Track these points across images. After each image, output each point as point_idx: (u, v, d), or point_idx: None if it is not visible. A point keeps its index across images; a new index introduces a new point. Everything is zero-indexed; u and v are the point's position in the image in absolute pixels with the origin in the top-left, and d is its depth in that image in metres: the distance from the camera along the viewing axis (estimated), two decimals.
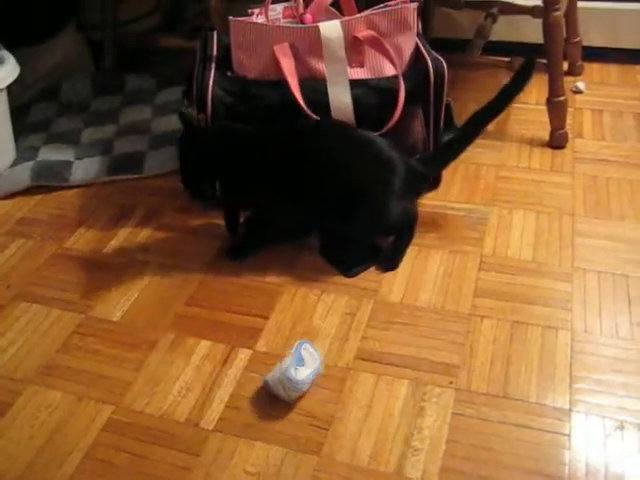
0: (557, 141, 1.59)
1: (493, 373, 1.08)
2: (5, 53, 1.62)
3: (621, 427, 0.99)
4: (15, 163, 1.68)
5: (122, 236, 1.46)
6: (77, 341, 1.22)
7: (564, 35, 1.63)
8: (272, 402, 1.07)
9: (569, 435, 0.99)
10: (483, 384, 1.07)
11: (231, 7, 1.74)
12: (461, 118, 1.50)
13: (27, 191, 1.63)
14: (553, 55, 1.53)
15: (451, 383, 1.07)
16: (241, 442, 1.02)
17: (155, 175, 1.63)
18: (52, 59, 1.96)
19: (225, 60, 1.41)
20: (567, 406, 1.03)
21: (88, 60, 2.06)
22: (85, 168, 1.65)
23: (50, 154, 1.70)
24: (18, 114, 1.73)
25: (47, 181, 1.62)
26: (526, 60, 1.28)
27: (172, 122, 1.73)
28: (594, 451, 0.97)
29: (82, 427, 1.07)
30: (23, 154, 1.70)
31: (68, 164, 1.66)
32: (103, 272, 1.37)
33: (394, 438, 1.00)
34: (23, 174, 1.63)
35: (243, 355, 1.16)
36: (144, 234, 1.46)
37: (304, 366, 1.07)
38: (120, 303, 1.29)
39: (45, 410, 1.10)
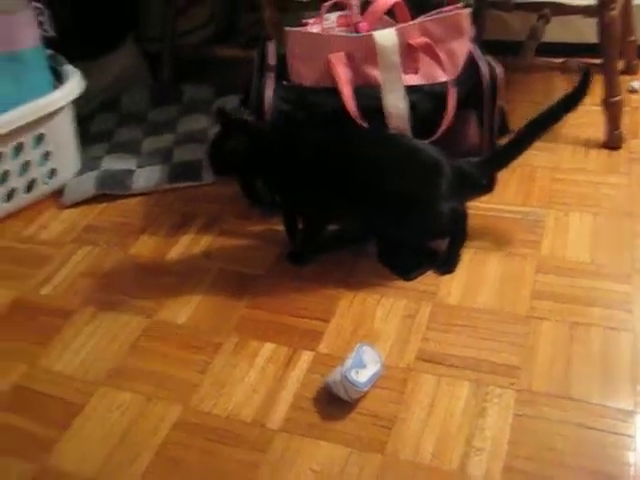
0: (613, 142, 1.59)
1: (554, 374, 1.09)
2: (71, 68, 1.69)
3: None
4: (80, 172, 1.75)
5: (184, 243, 1.50)
6: (144, 344, 1.27)
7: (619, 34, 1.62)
8: (334, 403, 1.10)
9: (634, 437, 0.99)
10: (544, 385, 1.08)
11: (285, 16, 1.78)
12: (514, 121, 1.52)
13: (92, 200, 1.69)
14: (609, 55, 1.53)
15: (512, 384, 1.09)
16: (306, 441, 1.05)
17: (214, 183, 1.67)
18: (112, 72, 2.03)
19: (282, 69, 1.45)
20: (631, 407, 1.03)
21: (146, 72, 2.12)
22: (146, 176, 1.70)
23: (113, 163, 1.76)
24: (81, 125, 1.80)
25: (111, 190, 1.68)
26: (584, 72, 1.29)
27: None
28: None
29: (152, 427, 1.11)
30: (87, 164, 1.77)
31: (130, 173, 1.72)
32: (167, 277, 1.42)
33: (456, 437, 1.02)
34: (88, 183, 1.69)
35: (306, 357, 1.19)
36: (205, 240, 1.50)
37: (365, 368, 1.10)
38: (184, 307, 1.33)
39: (116, 411, 1.15)
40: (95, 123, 1.98)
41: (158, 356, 1.24)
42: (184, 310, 1.33)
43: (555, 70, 1.87)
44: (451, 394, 1.09)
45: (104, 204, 1.68)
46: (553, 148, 1.62)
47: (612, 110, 1.57)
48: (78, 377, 1.22)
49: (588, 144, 1.62)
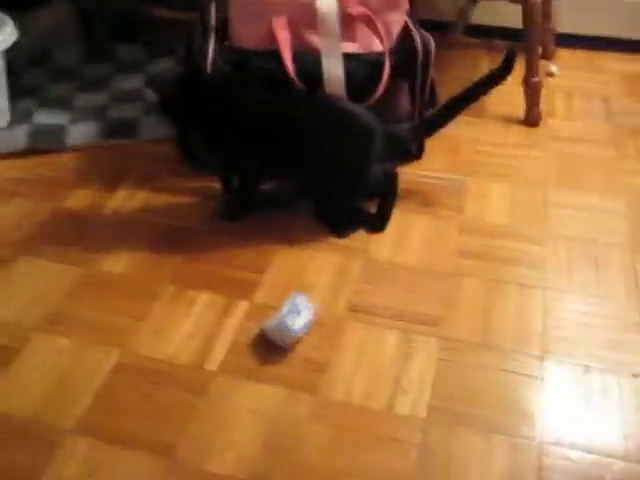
0: (532, 119, 1.70)
1: (474, 324, 1.19)
2: (5, 17, 1.66)
3: (587, 371, 1.10)
4: (11, 124, 1.72)
5: (119, 197, 1.52)
6: (81, 292, 1.29)
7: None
8: (270, 348, 1.16)
9: (541, 378, 1.10)
10: (465, 334, 1.17)
11: None
12: (442, 95, 1.61)
13: (21, 153, 1.67)
14: (530, 39, 1.63)
15: (435, 333, 1.17)
16: (243, 383, 1.11)
17: (148, 141, 1.69)
18: (43, 25, 1.99)
19: (223, 31, 1.48)
20: (538, 353, 1.13)
21: (79, 28, 2.09)
22: (80, 132, 1.70)
23: (45, 118, 1.75)
24: (10, 79, 1.77)
25: (44, 144, 1.67)
26: (509, 52, 1.37)
27: None
28: (565, 392, 1.08)
29: (91, 370, 1.14)
30: (19, 117, 1.75)
31: (63, 128, 1.71)
32: (103, 230, 1.43)
33: (384, 380, 1.10)
34: (19, 135, 1.67)
35: (242, 306, 1.24)
36: (140, 196, 1.52)
37: (299, 315, 1.16)
38: (121, 259, 1.35)
39: (54, 355, 1.17)
40: (25, 77, 1.94)
41: (95, 304, 1.26)
42: (121, 261, 1.35)
43: (480, 49, 1.97)
44: (379, 341, 1.17)
45: (35, 158, 1.66)
46: (477, 122, 1.72)
47: (532, 89, 1.68)
48: (13, 322, 1.23)
49: (509, 120, 1.73)
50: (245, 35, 1.45)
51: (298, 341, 1.16)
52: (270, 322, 1.16)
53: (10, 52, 1.69)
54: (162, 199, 1.51)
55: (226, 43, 1.46)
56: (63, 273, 1.33)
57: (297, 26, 1.43)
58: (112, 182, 1.57)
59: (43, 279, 1.32)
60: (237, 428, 1.04)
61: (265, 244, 1.37)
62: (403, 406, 1.06)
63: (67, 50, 2.02)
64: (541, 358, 1.13)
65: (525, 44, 1.64)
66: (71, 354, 1.17)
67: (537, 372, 1.11)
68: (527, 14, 1.62)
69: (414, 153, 1.57)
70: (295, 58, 1.42)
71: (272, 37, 1.42)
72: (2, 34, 1.62)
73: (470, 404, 1.06)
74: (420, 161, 1.57)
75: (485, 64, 1.96)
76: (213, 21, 1.50)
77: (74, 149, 1.68)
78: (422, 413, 1.05)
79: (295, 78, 1.41)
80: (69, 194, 1.53)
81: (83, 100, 1.84)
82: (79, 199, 1.52)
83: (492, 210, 1.44)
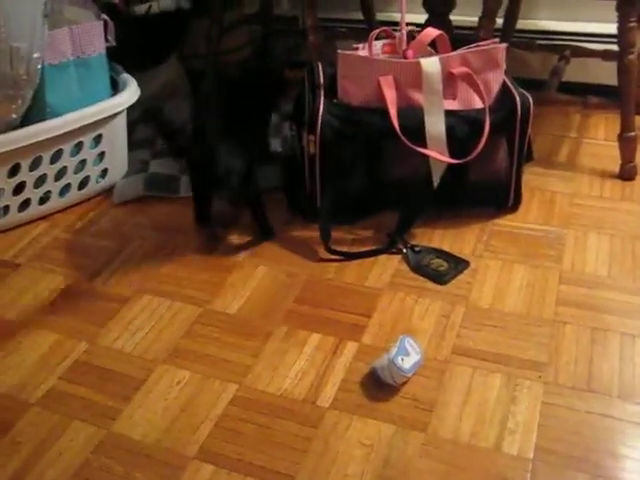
0: (627, 173, 1.73)
1: (577, 370, 1.22)
2: (128, 76, 1.82)
3: None
4: (128, 174, 1.87)
5: (231, 242, 1.62)
6: (199, 329, 1.38)
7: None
8: (380, 387, 1.22)
9: None
10: (569, 380, 1.20)
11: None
12: (537, 151, 1.67)
13: (139, 200, 1.81)
14: (626, 94, 1.67)
15: (540, 377, 1.21)
16: (355, 418, 1.17)
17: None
18: (156, 84, 2.15)
19: (330, 89, 1.59)
20: None
21: (186, 86, 2.25)
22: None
23: (159, 168, 1.88)
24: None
25: (159, 192, 1.80)
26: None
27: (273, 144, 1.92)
28: None
29: (211, 401, 1.22)
30: (135, 166, 1.89)
31: (176, 178, 1.84)
32: (217, 272, 1.53)
33: (491, 420, 1.14)
34: (137, 184, 1.81)
35: (351, 347, 1.31)
36: (250, 240, 1.62)
37: (409, 356, 1.22)
38: (235, 299, 1.45)
39: (176, 386, 1.26)
40: (138, 130, 2.10)
41: (212, 341, 1.35)
42: (235, 301, 1.44)
43: (575, 105, 2.02)
44: (485, 384, 1.21)
45: (151, 204, 1.79)
46: (572, 177, 1.76)
47: (627, 144, 1.71)
48: (138, 355, 1.33)
49: (604, 175, 1.76)
50: (353, 92, 1.55)
51: (407, 381, 1.21)
52: (380, 361, 1.22)
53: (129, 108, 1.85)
54: (270, 245, 1.61)
55: (335, 100, 1.56)
56: (181, 312, 1.43)
57: (402, 84, 1.52)
58: (224, 227, 1.67)
59: (162, 316, 1.42)
60: (351, 461, 1.10)
61: (369, 288, 1.44)
62: (510, 446, 1.10)
63: (176, 106, 2.18)
64: None
65: (621, 99, 1.69)
66: (191, 386, 1.26)
67: None
68: (622, 71, 1.67)
69: (510, 205, 1.63)
70: (399, 114, 1.51)
71: (379, 94, 1.52)
72: (127, 93, 1.78)
73: (577, 447, 1.09)
74: (516, 213, 1.63)
75: (578, 120, 2.01)
76: (322, 79, 1.62)
77: (186, 197, 1.80)
78: (529, 454, 1.08)
79: (400, 133, 1.50)
80: (184, 238, 1.65)
81: None
82: (192, 243, 1.63)
83: (591, 261, 1.47)
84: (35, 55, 1.60)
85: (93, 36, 1.70)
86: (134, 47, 1.98)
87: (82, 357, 1.34)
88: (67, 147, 1.70)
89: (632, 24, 1.61)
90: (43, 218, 1.77)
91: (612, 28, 1.66)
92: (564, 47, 1.91)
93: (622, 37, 1.63)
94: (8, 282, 1.55)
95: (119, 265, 1.58)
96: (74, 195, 1.79)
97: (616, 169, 1.76)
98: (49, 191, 1.74)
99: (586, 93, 2.13)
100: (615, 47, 1.66)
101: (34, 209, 1.73)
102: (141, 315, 1.43)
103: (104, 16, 1.72)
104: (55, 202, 1.76)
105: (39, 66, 1.62)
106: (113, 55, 1.84)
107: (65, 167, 1.73)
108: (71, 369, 1.31)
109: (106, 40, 1.75)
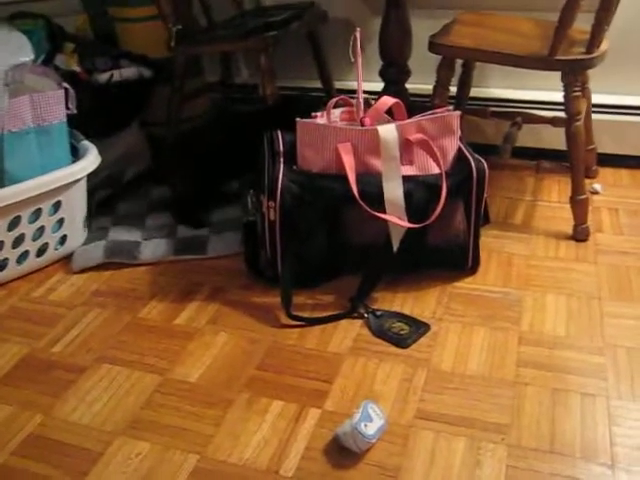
0: (580, 234, 1.78)
1: (540, 432, 1.22)
2: (88, 144, 1.83)
3: None
4: (87, 241, 1.85)
5: (192, 309, 1.61)
6: (159, 399, 1.36)
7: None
8: (343, 454, 1.20)
9: None
10: (532, 441, 1.20)
11: None
12: (492, 212, 1.70)
13: (99, 267, 1.79)
14: (575, 159, 1.73)
15: (503, 439, 1.21)
16: None
17: (218, 257, 1.80)
18: (118, 150, 2.16)
19: (290, 156, 1.61)
20: (610, 462, 1.16)
21: (147, 152, 2.27)
22: (153, 248, 1.82)
23: (119, 234, 1.88)
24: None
25: (119, 258, 1.79)
26: None
27: (231, 211, 1.94)
28: None
29: (171, 473, 1.19)
30: (95, 234, 1.88)
31: (137, 244, 1.83)
32: (177, 339, 1.52)
33: None
34: (97, 251, 1.80)
35: (313, 413, 1.29)
36: (212, 307, 1.61)
37: (372, 422, 1.21)
38: (195, 367, 1.43)
39: (136, 458, 1.23)
40: (97, 196, 2.09)
41: (172, 410, 1.33)
42: (195, 369, 1.42)
43: (529, 169, 2.09)
44: (449, 448, 1.20)
45: (111, 271, 1.78)
46: (528, 239, 1.80)
47: (579, 207, 1.77)
48: (95, 427, 1.30)
49: (559, 236, 1.81)
50: (312, 159, 1.58)
51: (371, 447, 1.20)
52: (343, 428, 1.21)
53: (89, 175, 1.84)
54: (232, 311, 1.60)
55: (294, 167, 1.59)
56: (140, 381, 1.40)
57: (360, 151, 1.55)
58: (184, 295, 1.66)
59: (120, 386, 1.39)
60: None
61: (331, 353, 1.44)
62: None
63: (137, 173, 2.18)
64: (612, 467, 1.15)
65: (570, 164, 1.75)
66: (151, 458, 1.22)
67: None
68: (570, 137, 1.74)
69: (469, 267, 1.66)
70: (358, 180, 1.54)
71: (338, 161, 1.55)
72: (87, 160, 1.78)
73: None
74: (475, 275, 1.65)
75: (532, 183, 2.08)
76: (281, 146, 1.64)
77: (148, 264, 1.79)
78: None
79: (359, 199, 1.52)
80: (143, 306, 1.63)
81: (153, 219, 1.97)
82: (153, 310, 1.62)
83: (549, 321, 1.49)
84: None
85: (54, 104, 1.70)
86: (96, 114, 1.99)
87: (36, 430, 1.30)
88: (25, 214, 1.68)
89: (576, 93, 1.68)
90: (0, 286, 1.74)
91: (560, 96, 1.73)
92: (516, 114, 1.98)
93: (568, 105, 1.70)
94: None
95: (77, 334, 1.56)
96: (32, 262, 1.77)
97: (570, 230, 1.80)
98: (6, 259, 1.71)
99: (538, 157, 2.20)
100: (563, 114, 1.73)
101: None
102: (99, 385, 1.40)
103: (65, 84, 1.73)
104: (12, 270, 1.74)
105: None
106: (74, 122, 1.85)
107: (23, 234, 1.71)
108: (24, 443, 1.27)
109: (67, 108, 1.76)
